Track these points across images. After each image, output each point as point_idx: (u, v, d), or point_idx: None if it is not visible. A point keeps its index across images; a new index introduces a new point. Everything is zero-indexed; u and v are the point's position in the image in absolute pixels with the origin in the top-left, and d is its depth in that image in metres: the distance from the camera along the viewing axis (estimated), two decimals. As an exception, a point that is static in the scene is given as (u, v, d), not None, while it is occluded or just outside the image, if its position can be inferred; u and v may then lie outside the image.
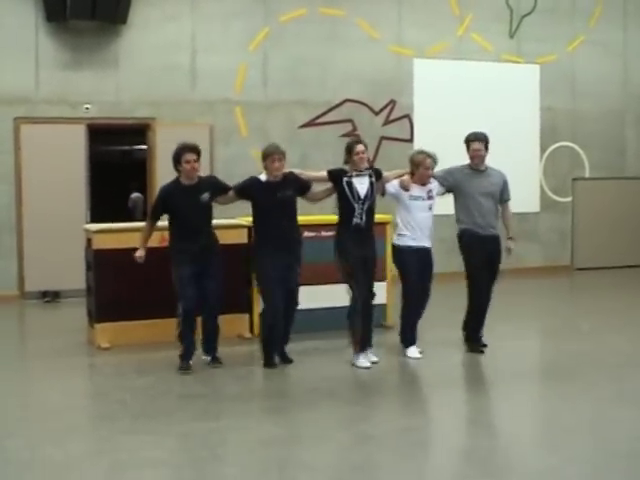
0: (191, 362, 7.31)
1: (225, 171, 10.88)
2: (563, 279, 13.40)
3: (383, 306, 8.73)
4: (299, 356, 7.63)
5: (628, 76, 14.27)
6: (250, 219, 7.61)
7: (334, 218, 7.54)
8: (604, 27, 13.93)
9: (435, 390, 6.98)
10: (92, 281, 8.35)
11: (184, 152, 7.23)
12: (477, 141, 7.75)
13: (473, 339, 7.90)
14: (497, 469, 5.08)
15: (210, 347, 7.46)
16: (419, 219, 7.55)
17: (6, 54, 11.14)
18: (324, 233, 8.40)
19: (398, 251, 7.66)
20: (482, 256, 7.70)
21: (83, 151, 11.57)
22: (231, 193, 7.47)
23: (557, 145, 13.87)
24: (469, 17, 13.12)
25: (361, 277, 7.28)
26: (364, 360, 7.33)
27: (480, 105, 12.92)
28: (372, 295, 7.41)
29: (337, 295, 8.00)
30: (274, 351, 7.40)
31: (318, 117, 12.41)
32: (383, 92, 12.74)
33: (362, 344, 7.35)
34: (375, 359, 7.45)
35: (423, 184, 7.58)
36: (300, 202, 7.51)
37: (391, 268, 8.31)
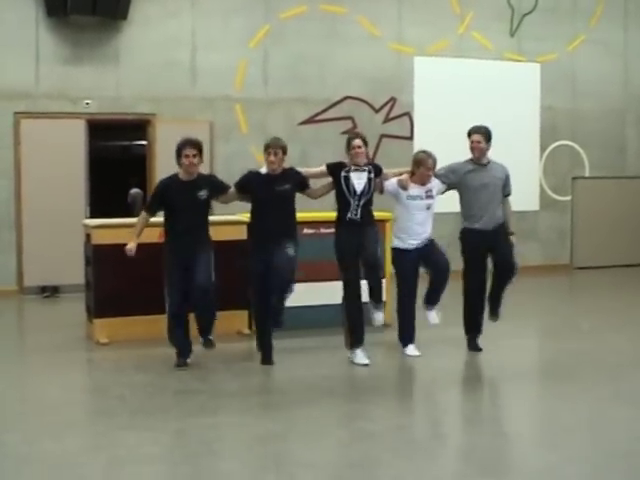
0: (189, 360, 7.29)
1: (225, 168, 10.91)
2: (562, 278, 13.40)
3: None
4: (297, 353, 7.62)
5: (629, 76, 14.27)
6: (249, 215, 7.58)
7: (333, 215, 7.51)
8: (605, 26, 13.93)
9: (434, 388, 6.97)
10: (91, 276, 8.34)
11: (185, 146, 7.21)
12: (477, 133, 7.73)
13: (470, 341, 7.89)
14: (496, 467, 5.07)
15: (203, 330, 7.30)
16: (417, 218, 7.53)
17: (6, 49, 11.14)
18: (323, 230, 8.40)
19: (395, 253, 7.66)
20: (482, 256, 7.68)
21: (83, 146, 11.57)
22: (232, 190, 7.44)
23: (557, 144, 13.87)
24: (470, 15, 13.12)
25: (351, 262, 7.20)
26: (362, 357, 7.28)
27: (480, 103, 12.90)
28: (379, 297, 7.39)
29: (336, 292, 7.96)
30: (269, 346, 7.34)
31: (318, 114, 12.41)
32: (383, 90, 12.73)
33: (355, 337, 7.28)
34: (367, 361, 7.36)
35: (423, 184, 7.57)
36: (301, 199, 7.48)
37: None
